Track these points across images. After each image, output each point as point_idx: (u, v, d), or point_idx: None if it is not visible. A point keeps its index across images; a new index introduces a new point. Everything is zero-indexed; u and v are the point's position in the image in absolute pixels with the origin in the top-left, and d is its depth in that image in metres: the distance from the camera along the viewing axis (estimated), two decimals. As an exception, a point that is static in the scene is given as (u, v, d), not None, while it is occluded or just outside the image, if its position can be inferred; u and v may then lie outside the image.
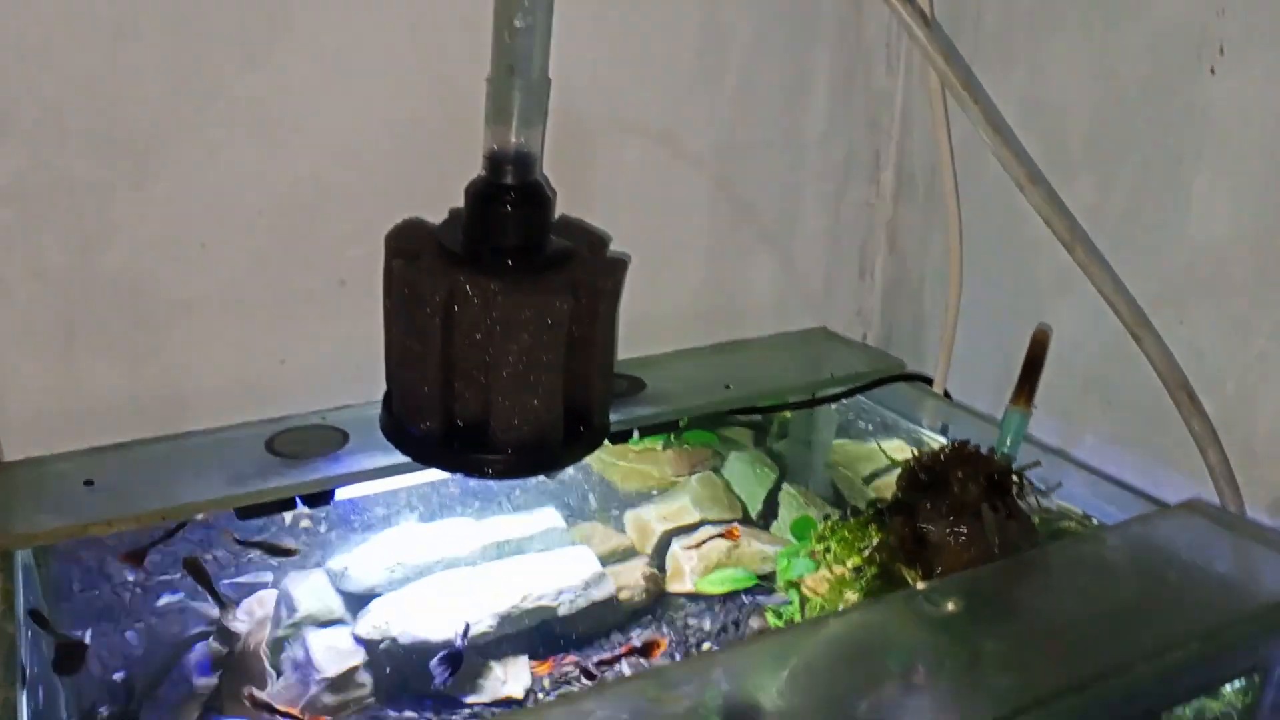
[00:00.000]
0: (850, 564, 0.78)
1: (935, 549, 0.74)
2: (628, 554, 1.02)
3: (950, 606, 0.64)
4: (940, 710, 0.55)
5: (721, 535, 1.00)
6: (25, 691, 0.59)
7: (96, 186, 0.79)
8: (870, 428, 1.09)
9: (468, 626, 0.86)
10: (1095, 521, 0.84)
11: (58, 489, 0.76)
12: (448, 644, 0.86)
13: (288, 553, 0.89)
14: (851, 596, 0.78)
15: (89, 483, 0.77)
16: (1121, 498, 0.86)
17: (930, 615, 0.63)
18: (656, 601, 0.96)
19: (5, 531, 0.70)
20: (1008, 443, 0.80)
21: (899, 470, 0.80)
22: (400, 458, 0.80)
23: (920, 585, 0.66)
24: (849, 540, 0.80)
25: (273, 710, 0.80)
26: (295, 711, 0.81)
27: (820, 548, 0.83)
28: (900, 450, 1.05)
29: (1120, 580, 0.69)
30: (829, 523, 0.86)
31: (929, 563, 0.74)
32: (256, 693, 0.80)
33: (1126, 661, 0.60)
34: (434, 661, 0.84)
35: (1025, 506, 0.76)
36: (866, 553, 0.77)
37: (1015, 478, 0.77)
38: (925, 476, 0.77)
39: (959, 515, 0.74)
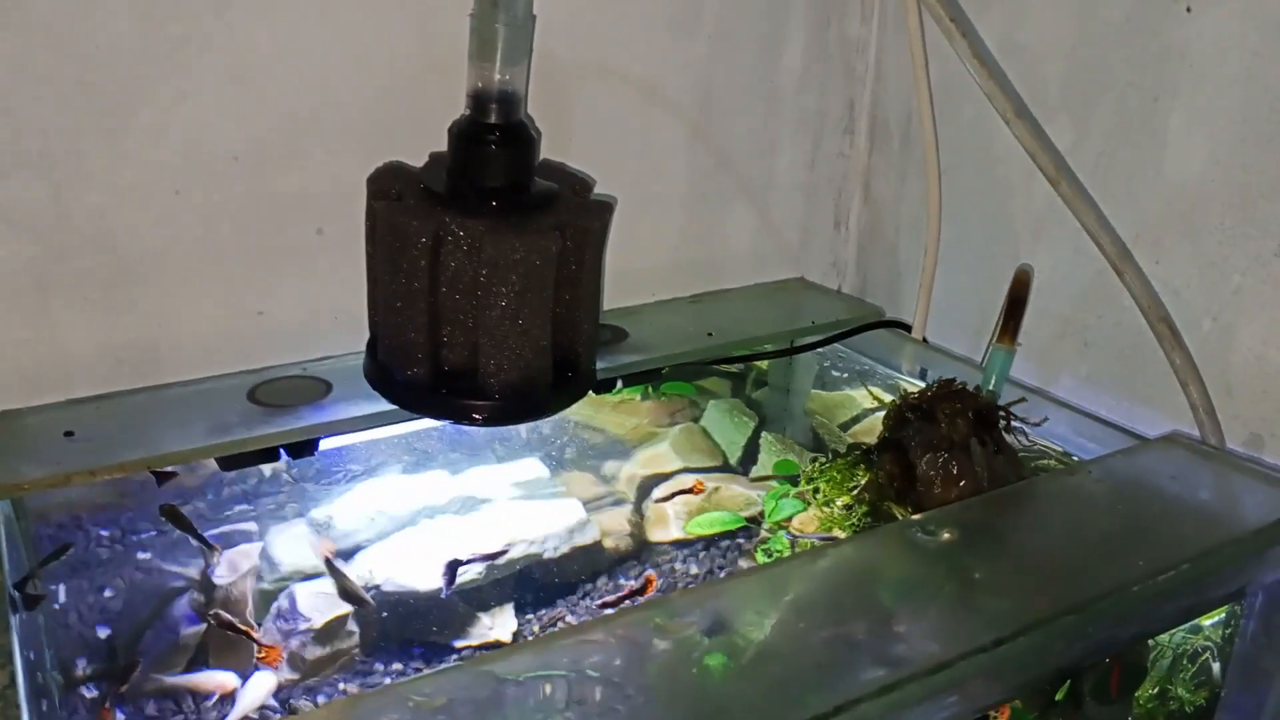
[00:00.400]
0: (840, 502, 0.79)
1: (925, 484, 0.74)
2: (611, 501, 1.02)
3: (945, 536, 0.65)
4: (943, 632, 0.56)
5: (689, 490, 1.00)
6: (18, 636, 0.58)
7: (67, 133, 0.77)
8: (846, 375, 1.10)
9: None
10: (1076, 458, 0.85)
11: (38, 440, 0.74)
12: (436, 591, 0.86)
13: (360, 601, 0.86)
14: (841, 534, 0.79)
15: (69, 434, 0.75)
16: (1100, 434, 0.87)
17: (926, 545, 0.64)
18: (641, 547, 0.97)
19: (-16, 482, 0.69)
20: (993, 380, 0.81)
21: (885, 411, 0.81)
22: (386, 406, 0.79)
23: (915, 517, 0.66)
24: (837, 480, 0.81)
25: (235, 629, 0.80)
26: (255, 633, 0.81)
27: (809, 488, 0.83)
28: (874, 396, 1.06)
29: (1108, 509, 0.70)
30: (816, 464, 0.86)
31: (919, 498, 0.75)
32: (222, 613, 0.79)
33: (1119, 585, 0.61)
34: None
35: (1012, 441, 0.77)
36: (856, 491, 0.78)
37: (1002, 413, 0.78)
38: (912, 414, 0.78)
39: (948, 450, 0.74)
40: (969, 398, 0.77)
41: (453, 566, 0.85)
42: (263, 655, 0.80)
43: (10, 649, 0.55)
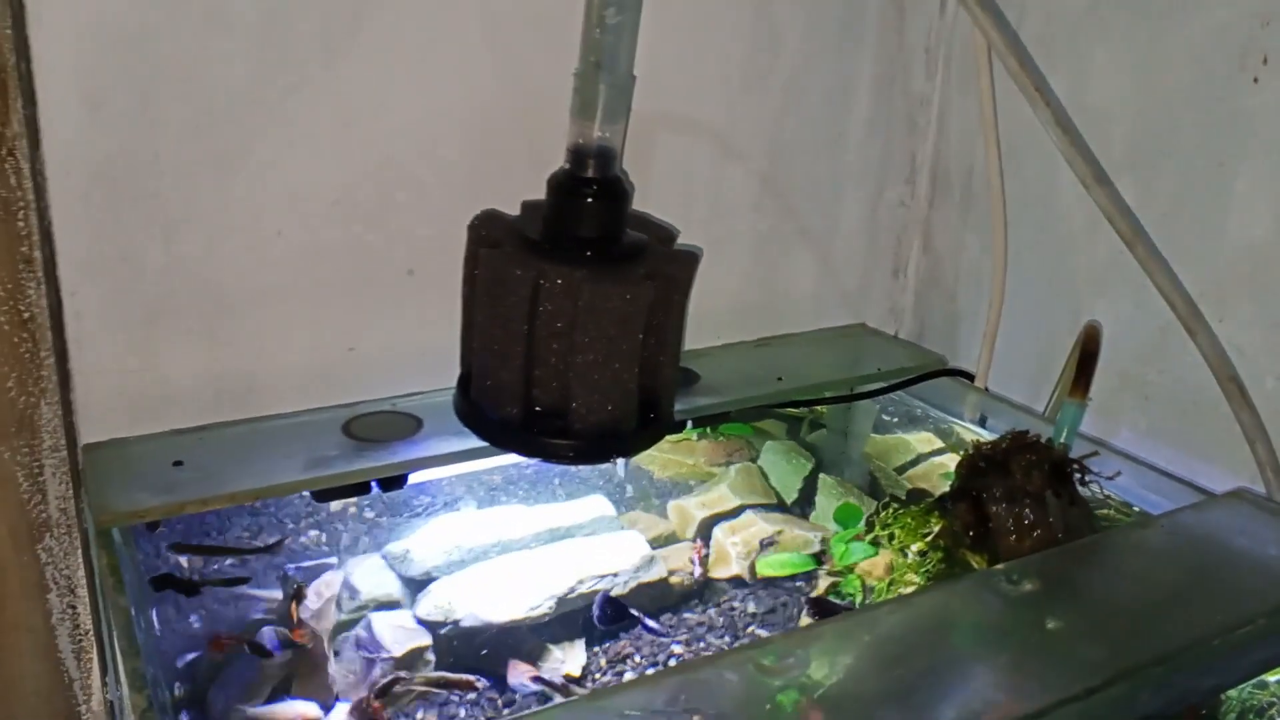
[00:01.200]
0: (915, 548, 0.81)
1: (1000, 533, 0.77)
2: (672, 539, 1.04)
3: (1028, 586, 0.67)
4: (1036, 680, 0.58)
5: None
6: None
7: (182, 172, 0.80)
8: (898, 420, 1.13)
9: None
10: (1137, 509, 0.88)
11: (149, 469, 0.77)
12: (514, 624, 0.88)
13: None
14: (914, 580, 0.81)
15: (178, 463, 0.78)
16: (1162, 486, 0.89)
17: (1010, 593, 0.66)
18: (704, 584, 0.99)
19: (104, 509, 0.71)
20: (1064, 433, 0.84)
21: (958, 460, 0.83)
22: (475, 442, 0.82)
23: (999, 566, 0.68)
24: (911, 526, 0.83)
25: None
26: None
27: (884, 534, 0.85)
28: (930, 442, 1.08)
29: (1181, 563, 0.72)
30: (890, 509, 0.89)
31: (994, 547, 0.77)
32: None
33: (1201, 637, 0.63)
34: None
35: (1086, 494, 0.79)
36: (930, 538, 0.80)
37: (1075, 466, 0.80)
38: (986, 464, 0.80)
39: (1023, 501, 0.77)
40: (1043, 450, 0.79)
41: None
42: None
43: (143, 673, 0.58)
